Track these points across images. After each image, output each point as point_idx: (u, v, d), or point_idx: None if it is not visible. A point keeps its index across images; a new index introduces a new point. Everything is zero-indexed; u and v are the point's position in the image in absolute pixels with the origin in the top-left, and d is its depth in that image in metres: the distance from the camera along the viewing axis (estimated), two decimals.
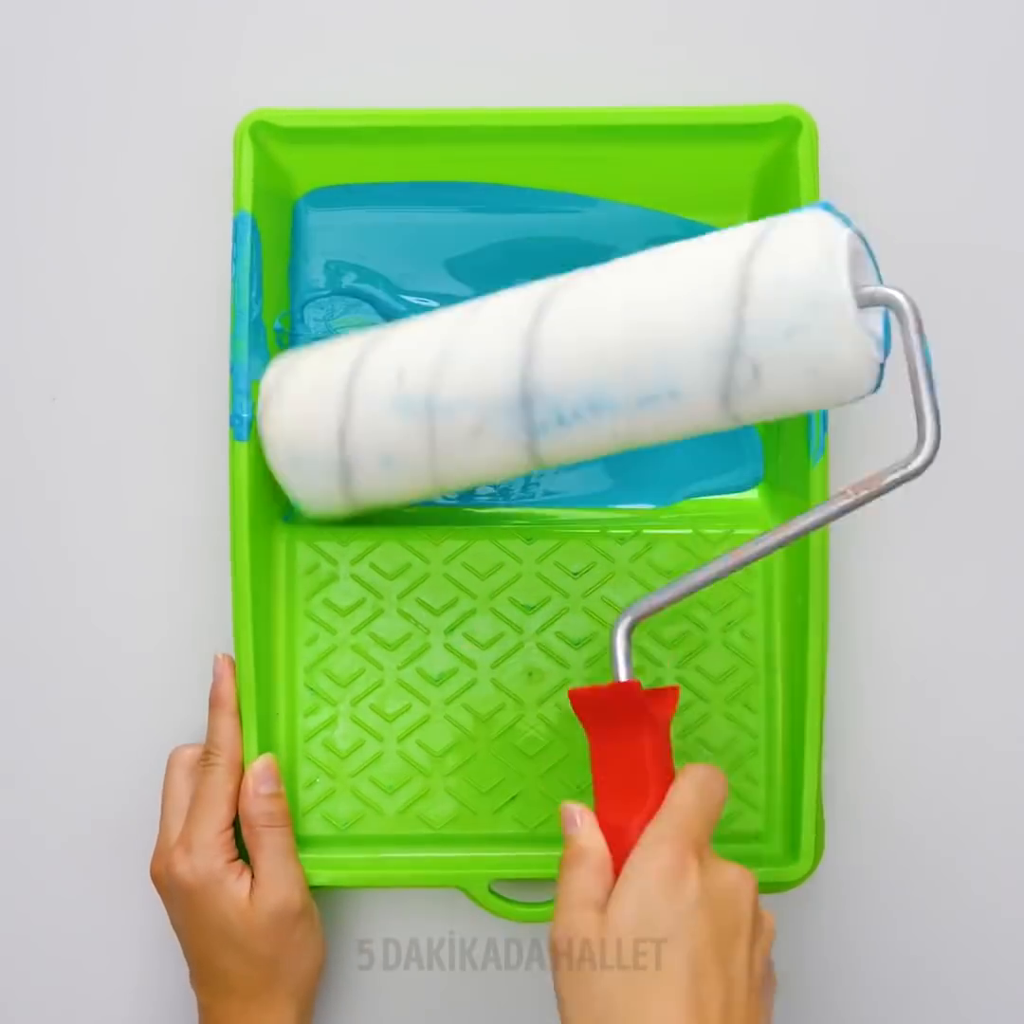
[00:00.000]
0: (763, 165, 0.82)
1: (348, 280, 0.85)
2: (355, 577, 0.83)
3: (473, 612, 0.83)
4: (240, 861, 0.79)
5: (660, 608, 0.73)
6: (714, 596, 0.83)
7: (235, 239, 0.80)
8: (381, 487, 0.78)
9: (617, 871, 0.69)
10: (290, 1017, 0.79)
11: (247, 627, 0.79)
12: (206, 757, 0.80)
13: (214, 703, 0.80)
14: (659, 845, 0.68)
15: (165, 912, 0.81)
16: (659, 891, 0.67)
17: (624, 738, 0.71)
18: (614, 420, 0.72)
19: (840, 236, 0.67)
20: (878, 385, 0.68)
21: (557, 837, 0.81)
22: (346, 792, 0.82)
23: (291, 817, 0.80)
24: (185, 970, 0.81)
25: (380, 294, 0.85)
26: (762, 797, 0.82)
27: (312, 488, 0.79)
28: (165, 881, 0.79)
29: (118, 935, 0.86)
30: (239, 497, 0.79)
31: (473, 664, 0.83)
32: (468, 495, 0.85)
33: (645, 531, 0.83)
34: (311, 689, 0.82)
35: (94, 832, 0.86)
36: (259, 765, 0.80)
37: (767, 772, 0.82)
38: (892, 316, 0.68)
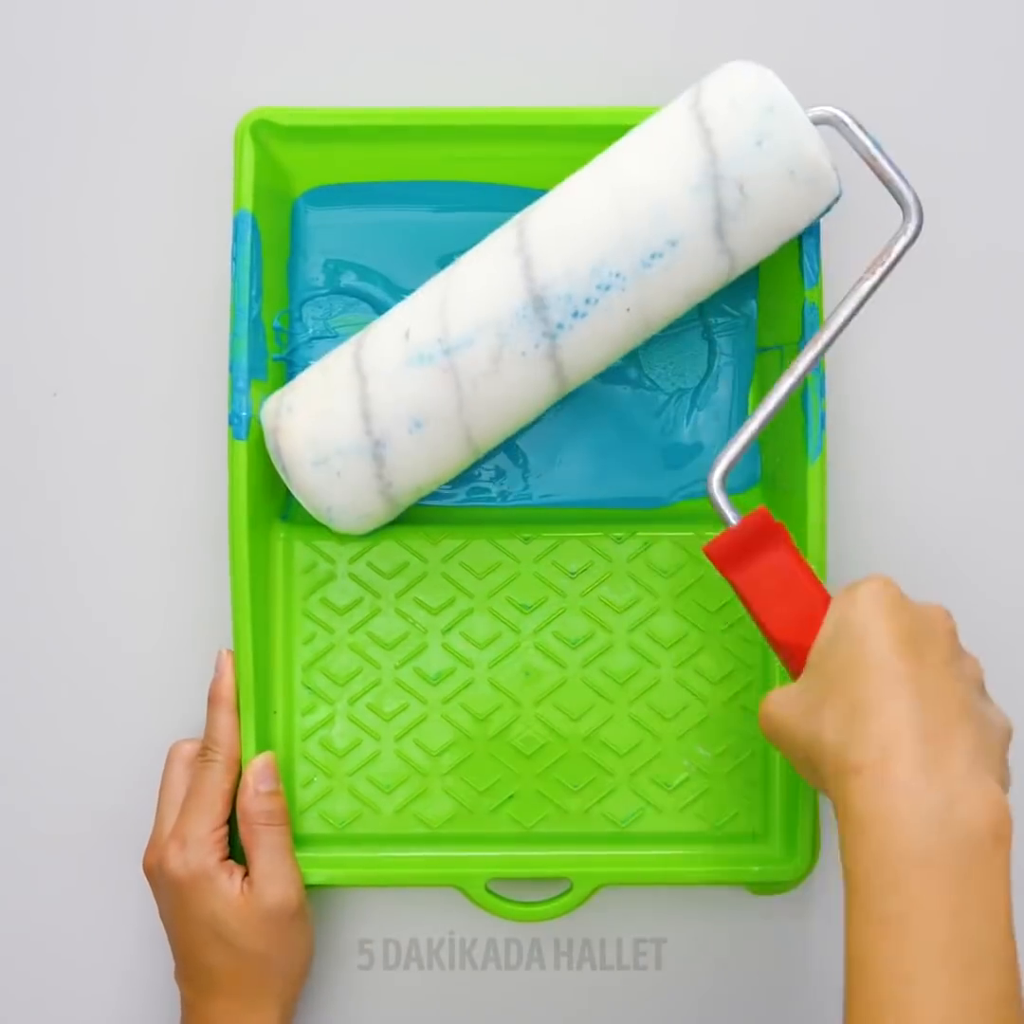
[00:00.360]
0: None
1: (347, 279, 0.85)
2: (353, 576, 0.83)
3: (471, 611, 0.83)
4: (232, 860, 0.79)
5: (744, 449, 0.75)
6: (712, 598, 0.83)
7: (235, 237, 0.80)
8: (414, 460, 0.78)
9: None
10: (274, 1019, 0.78)
11: (245, 625, 0.79)
12: (204, 753, 0.80)
13: (214, 699, 0.80)
14: (857, 584, 0.70)
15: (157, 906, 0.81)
16: (854, 603, 0.68)
17: (773, 565, 0.73)
18: (625, 292, 0.75)
19: (763, 67, 0.74)
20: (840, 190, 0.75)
21: (554, 836, 0.82)
22: (343, 791, 0.82)
23: (289, 816, 0.80)
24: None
25: (379, 293, 0.85)
26: (760, 798, 0.82)
27: (343, 488, 0.78)
28: (157, 874, 0.79)
29: (112, 927, 0.86)
30: (238, 495, 0.79)
31: (470, 663, 0.83)
32: (466, 495, 0.85)
33: (642, 531, 0.83)
34: (309, 688, 0.83)
35: (91, 826, 0.86)
36: (259, 763, 0.80)
37: (764, 774, 0.82)
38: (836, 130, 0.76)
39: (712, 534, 0.83)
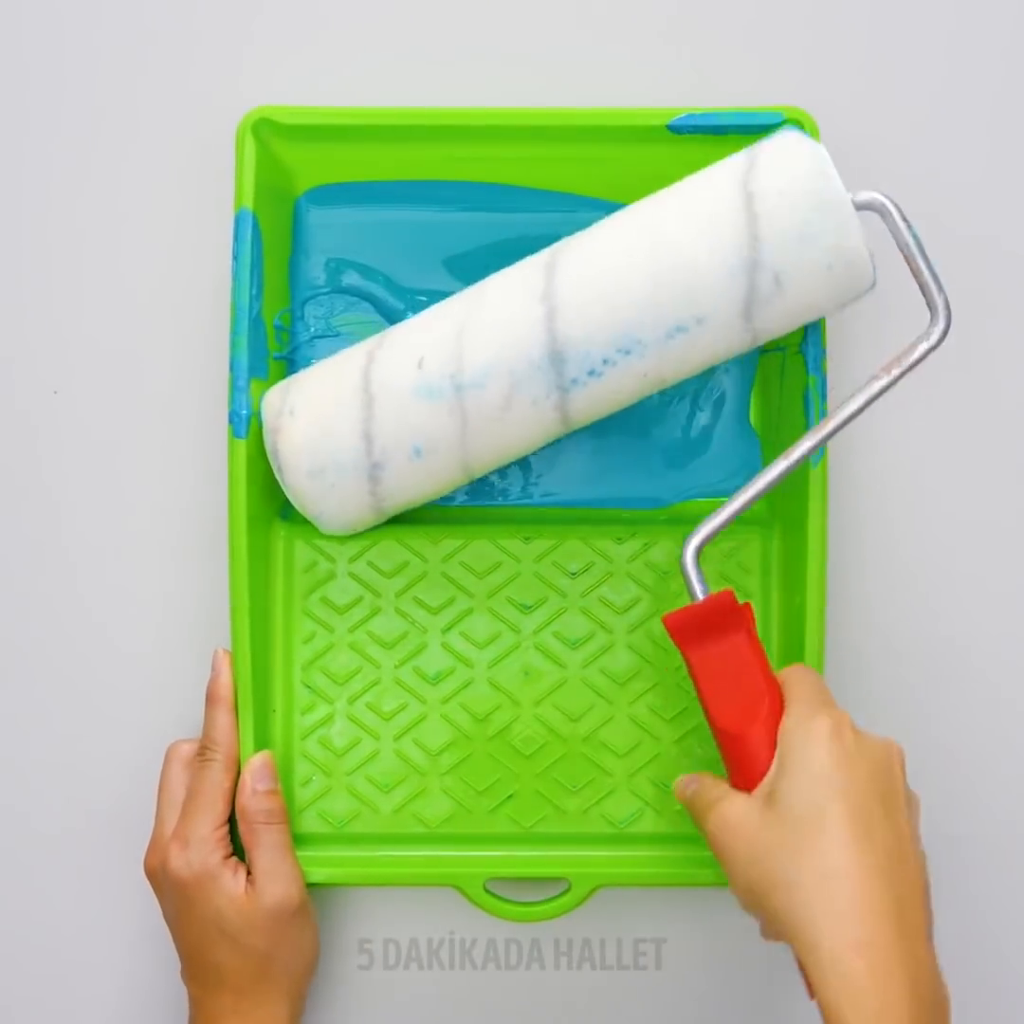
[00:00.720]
0: None
1: (348, 278, 0.85)
2: (353, 575, 0.83)
3: (470, 611, 0.83)
4: (234, 858, 0.79)
5: (722, 526, 0.75)
6: None
7: (236, 236, 0.80)
8: (410, 483, 0.78)
9: (747, 779, 0.71)
10: (282, 1014, 0.79)
11: (244, 624, 0.79)
12: (203, 753, 0.80)
13: (211, 698, 0.80)
14: (813, 716, 0.71)
15: (158, 905, 0.81)
16: (822, 749, 0.69)
17: (728, 648, 0.73)
18: (644, 359, 0.74)
19: (820, 147, 0.73)
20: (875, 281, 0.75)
21: (553, 837, 0.82)
22: (342, 790, 0.82)
23: (288, 814, 0.80)
24: (177, 963, 0.81)
25: (380, 292, 0.85)
26: None
27: (335, 499, 0.79)
28: (159, 875, 0.79)
29: (111, 927, 0.86)
30: (237, 494, 0.79)
31: (470, 663, 0.83)
32: (467, 495, 0.85)
33: (643, 532, 0.83)
34: (308, 686, 0.83)
35: (89, 825, 0.86)
36: (257, 762, 0.80)
37: None
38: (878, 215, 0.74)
39: None
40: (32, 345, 0.87)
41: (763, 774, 0.71)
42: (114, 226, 0.86)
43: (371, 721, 0.82)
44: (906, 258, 0.74)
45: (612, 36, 0.86)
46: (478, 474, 0.79)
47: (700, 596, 0.74)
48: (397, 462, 0.77)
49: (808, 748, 0.70)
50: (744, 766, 0.72)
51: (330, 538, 0.83)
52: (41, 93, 0.87)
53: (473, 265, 0.84)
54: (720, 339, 0.75)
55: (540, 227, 0.83)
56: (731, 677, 0.73)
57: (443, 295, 0.83)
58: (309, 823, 0.82)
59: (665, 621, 0.74)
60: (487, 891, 0.80)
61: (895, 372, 0.74)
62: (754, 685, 0.73)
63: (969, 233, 0.86)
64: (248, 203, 0.80)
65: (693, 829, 0.81)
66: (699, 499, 0.85)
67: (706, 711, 0.74)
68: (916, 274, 0.74)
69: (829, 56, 0.87)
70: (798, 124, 0.80)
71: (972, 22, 0.87)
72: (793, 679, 0.73)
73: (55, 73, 0.87)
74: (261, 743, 0.81)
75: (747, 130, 0.80)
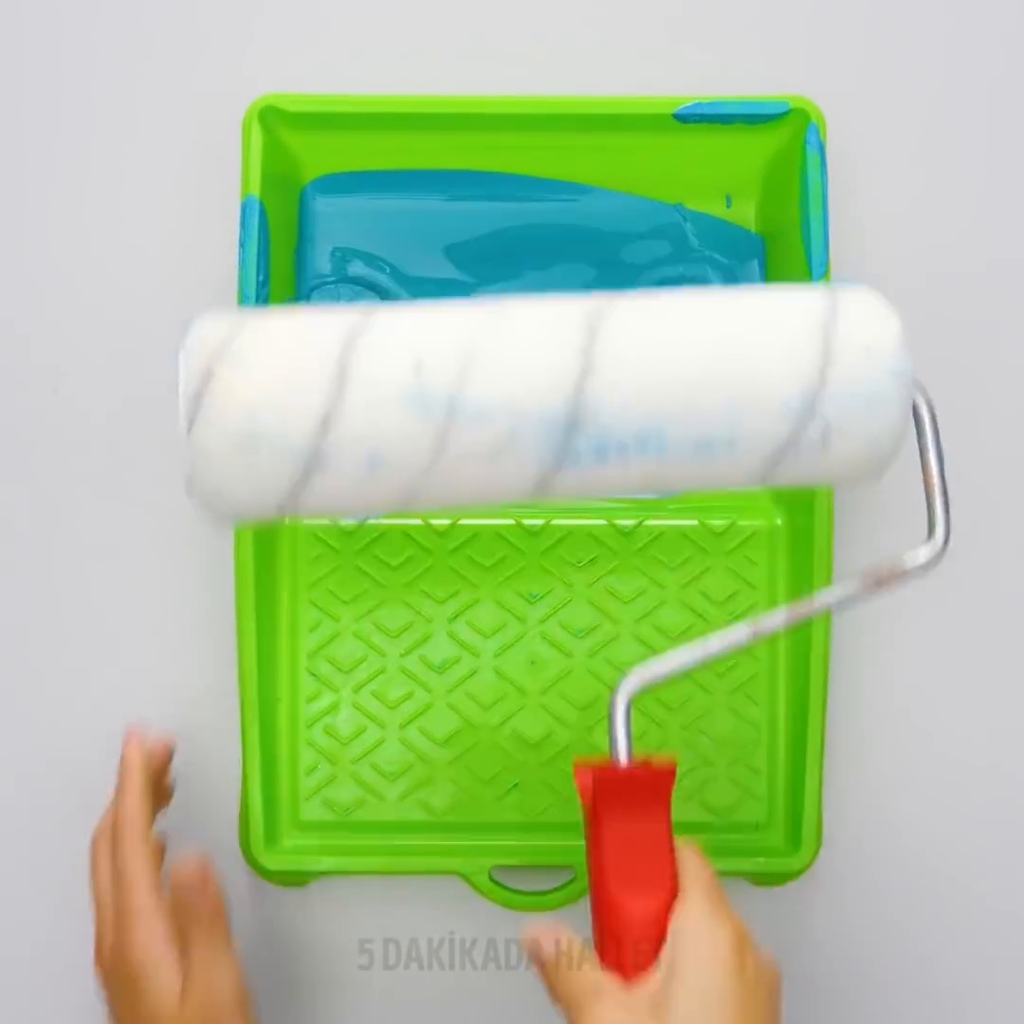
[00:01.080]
0: (770, 157, 0.82)
1: (355, 267, 0.85)
2: (359, 567, 0.83)
3: (476, 600, 0.83)
4: (178, 948, 0.73)
5: (664, 679, 0.68)
6: (718, 588, 0.83)
7: (242, 224, 0.80)
8: (339, 493, 0.66)
9: (627, 965, 0.66)
10: None
11: (250, 613, 0.79)
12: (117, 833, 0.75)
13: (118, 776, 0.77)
14: (715, 923, 0.66)
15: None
16: (724, 967, 0.65)
17: (648, 823, 0.67)
18: (657, 465, 0.66)
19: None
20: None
21: (558, 825, 0.81)
22: (347, 778, 0.82)
23: (220, 913, 0.73)
24: None
25: (386, 281, 0.85)
26: (764, 788, 0.82)
27: (248, 478, 0.65)
28: (108, 974, 0.74)
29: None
30: None
31: (476, 652, 0.83)
32: None
33: (649, 522, 0.83)
34: (313, 675, 0.82)
35: (88, 825, 0.85)
36: (186, 868, 0.72)
37: (769, 763, 0.82)
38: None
39: (717, 524, 0.83)
40: (34, 337, 0.86)
41: (647, 965, 0.65)
42: (120, 214, 0.86)
43: (377, 709, 0.82)
44: (925, 470, 0.68)
45: (619, 25, 0.87)
46: (413, 511, 0.71)
47: (624, 755, 0.67)
48: (345, 465, 0.64)
49: (709, 961, 0.65)
50: (627, 949, 0.66)
51: (335, 529, 0.83)
52: (43, 82, 0.87)
53: (479, 254, 0.84)
54: (731, 474, 0.67)
55: (547, 216, 0.84)
56: (640, 852, 0.67)
57: (449, 284, 0.84)
58: (314, 811, 0.82)
59: (595, 776, 0.66)
60: (492, 880, 0.80)
61: (871, 582, 0.68)
62: (661, 866, 0.67)
63: (972, 229, 0.86)
64: (255, 191, 0.80)
65: (699, 817, 0.82)
66: (706, 492, 0.84)
67: (601, 882, 0.66)
68: (928, 489, 0.68)
69: (836, 46, 0.87)
70: (804, 114, 0.80)
71: (977, 13, 0.87)
72: (685, 857, 0.68)
73: (58, 61, 0.87)
74: (266, 732, 0.80)
75: (754, 119, 0.81)
